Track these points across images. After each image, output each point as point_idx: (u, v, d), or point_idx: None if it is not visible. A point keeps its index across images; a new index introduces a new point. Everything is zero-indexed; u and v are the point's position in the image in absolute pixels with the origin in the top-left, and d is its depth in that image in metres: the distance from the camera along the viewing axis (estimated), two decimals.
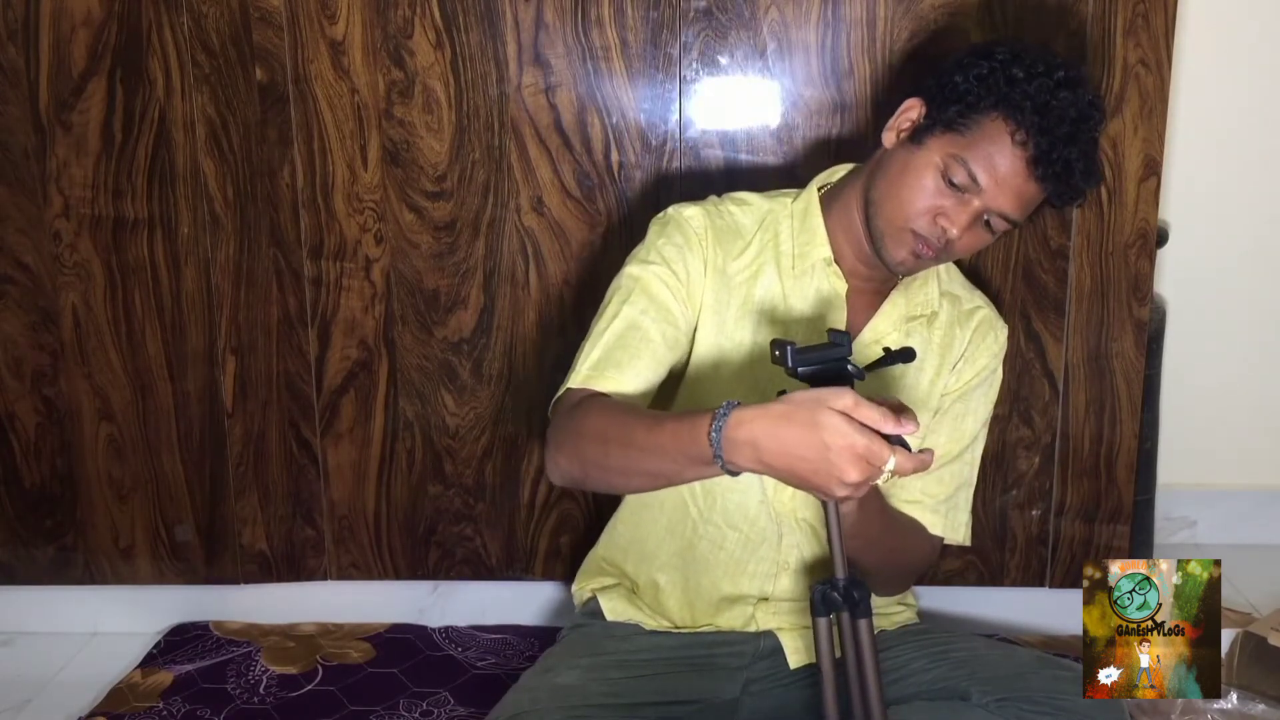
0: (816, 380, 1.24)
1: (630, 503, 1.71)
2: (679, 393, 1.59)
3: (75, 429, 2.02)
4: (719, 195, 1.62)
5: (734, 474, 1.26)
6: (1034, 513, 2.01)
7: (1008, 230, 1.48)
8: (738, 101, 1.88)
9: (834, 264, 1.55)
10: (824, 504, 1.31)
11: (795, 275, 1.55)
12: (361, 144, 1.90)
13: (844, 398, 1.17)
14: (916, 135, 1.46)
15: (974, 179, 1.41)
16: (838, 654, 1.35)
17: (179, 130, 1.90)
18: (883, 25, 1.82)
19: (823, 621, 1.32)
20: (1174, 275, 2.23)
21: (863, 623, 1.31)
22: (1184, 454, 2.33)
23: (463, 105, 1.88)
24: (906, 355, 1.34)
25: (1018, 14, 1.82)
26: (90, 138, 1.90)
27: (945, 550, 2.01)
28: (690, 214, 1.56)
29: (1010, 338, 1.93)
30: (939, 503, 1.62)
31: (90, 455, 2.02)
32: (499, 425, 2.00)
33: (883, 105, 1.85)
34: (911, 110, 1.48)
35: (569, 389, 1.50)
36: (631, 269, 1.54)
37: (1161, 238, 2.02)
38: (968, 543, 1.66)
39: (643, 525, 1.67)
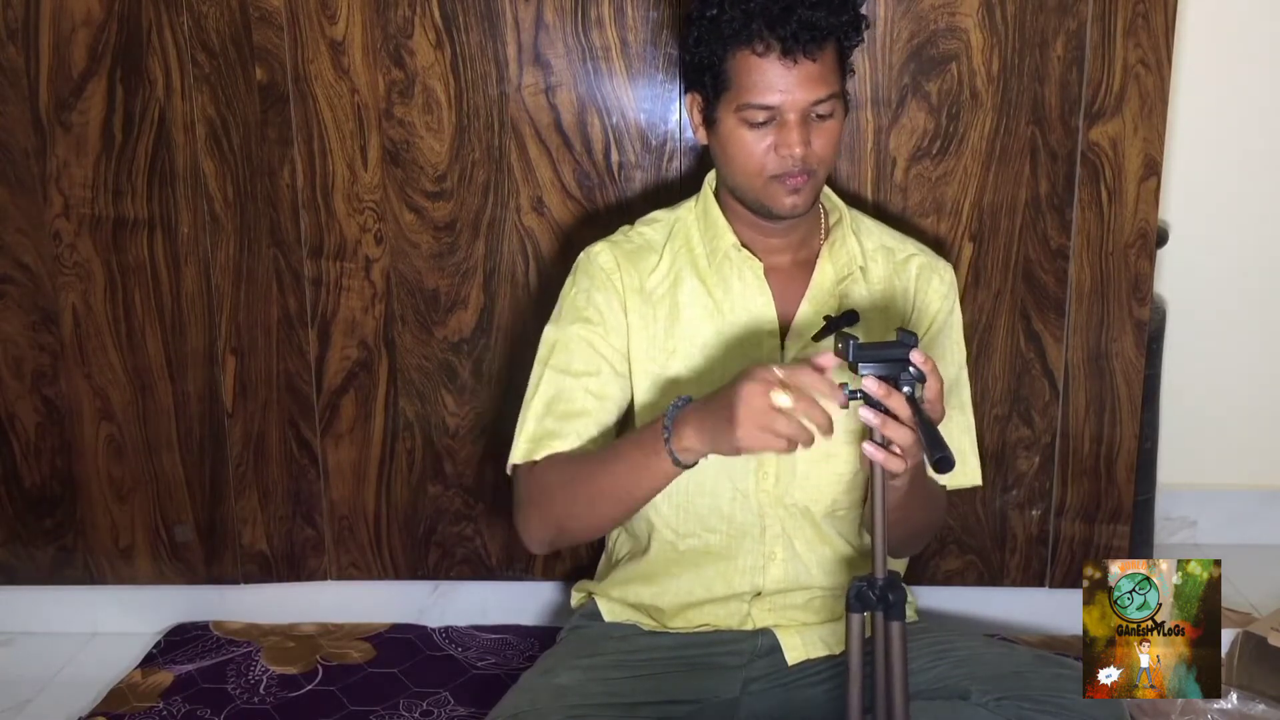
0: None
1: (619, 554, 1.73)
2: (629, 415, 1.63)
3: (75, 429, 2.02)
4: (631, 224, 1.68)
5: (686, 465, 1.39)
6: (1034, 513, 2.01)
7: (841, 99, 1.51)
8: None
9: (743, 249, 1.59)
10: (870, 498, 1.32)
11: (713, 270, 1.60)
12: (361, 144, 1.90)
13: (765, 367, 1.31)
14: (709, 119, 1.54)
15: (768, 107, 1.47)
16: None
17: (179, 130, 1.90)
18: (883, 25, 1.82)
19: (855, 618, 1.33)
20: (1174, 275, 2.22)
21: (895, 625, 1.31)
22: (1184, 454, 2.33)
23: (463, 105, 1.88)
24: (850, 318, 1.42)
25: (1018, 14, 1.82)
26: (90, 138, 1.90)
27: (945, 550, 2.02)
28: (596, 251, 1.64)
29: (1010, 337, 1.93)
30: None
31: (90, 455, 2.02)
32: (499, 425, 2.00)
33: (882, 105, 1.86)
34: (693, 106, 1.57)
35: (515, 466, 1.59)
36: (547, 331, 1.63)
37: (1161, 238, 2.02)
38: (979, 482, 1.69)
39: (629, 567, 1.69)
